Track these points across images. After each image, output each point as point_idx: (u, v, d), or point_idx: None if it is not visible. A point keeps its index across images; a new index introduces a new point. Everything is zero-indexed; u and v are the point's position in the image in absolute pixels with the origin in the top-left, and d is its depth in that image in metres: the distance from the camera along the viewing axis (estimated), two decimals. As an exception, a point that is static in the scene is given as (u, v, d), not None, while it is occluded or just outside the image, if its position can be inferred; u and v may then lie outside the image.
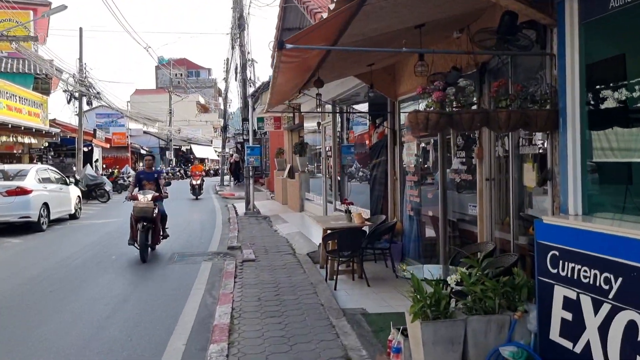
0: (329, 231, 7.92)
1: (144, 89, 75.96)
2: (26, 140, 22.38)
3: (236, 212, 17.53)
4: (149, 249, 9.99)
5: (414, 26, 5.50)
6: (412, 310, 3.99)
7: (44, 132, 23.22)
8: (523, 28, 4.46)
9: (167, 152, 53.78)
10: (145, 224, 9.68)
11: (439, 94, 4.18)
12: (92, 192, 22.46)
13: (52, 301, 7.07)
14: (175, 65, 67.99)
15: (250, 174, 16.65)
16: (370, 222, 8.51)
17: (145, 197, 10.04)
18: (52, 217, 14.27)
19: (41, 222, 13.46)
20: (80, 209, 16.77)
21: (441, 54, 6.66)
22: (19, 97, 21.70)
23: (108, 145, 40.07)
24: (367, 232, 8.10)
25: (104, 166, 34.60)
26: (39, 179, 13.89)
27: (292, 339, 5.22)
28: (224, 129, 34.13)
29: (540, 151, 4.98)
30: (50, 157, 27.34)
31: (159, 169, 35.74)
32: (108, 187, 22.83)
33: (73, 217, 16.15)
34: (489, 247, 5.48)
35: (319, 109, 10.72)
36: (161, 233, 10.61)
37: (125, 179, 31.66)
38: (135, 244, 9.84)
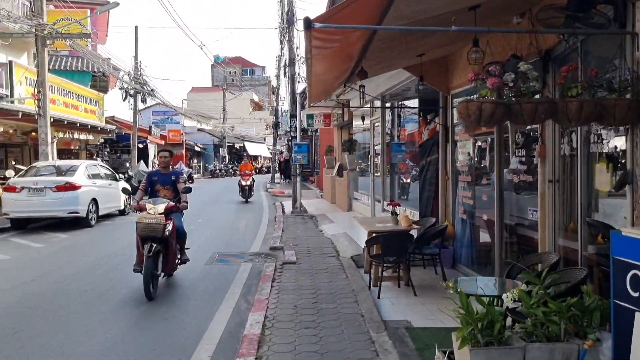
0: (373, 234, 7.37)
1: (200, 87, 77.39)
2: (82, 136, 22.88)
3: (283, 211, 17.21)
4: (161, 276, 7.47)
5: (467, 8, 4.87)
6: (460, 334, 3.41)
7: (99, 128, 23.69)
8: (598, 3, 3.77)
9: (220, 149, 54.40)
10: (154, 245, 6.97)
11: (495, 81, 3.56)
12: (144, 188, 22.68)
13: (82, 304, 6.84)
14: (230, 64, 68.94)
15: (298, 172, 16.27)
16: (419, 225, 7.88)
17: (155, 209, 7.26)
18: (100, 213, 14.36)
19: (89, 217, 13.54)
20: (129, 205, 16.86)
21: (498, 40, 5.98)
22: (76, 94, 22.21)
23: (163, 142, 40.78)
24: (415, 235, 7.50)
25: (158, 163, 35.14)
26: (88, 175, 13.99)
27: (326, 355, 4.72)
28: (276, 126, 34.02)
29: (617, 149, 4.26)
30: (106, 153, 27.97)
31: (178, 168, 35.99)
32: (159, 183, 22.97)
33: (122, 212, 16.25)
34: (551, 259, 4.80)
35: (364, 103, 10.16)
36: (178, 256, 7.97)
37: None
38: (141, 272, 6.93)
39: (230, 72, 60.70)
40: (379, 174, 12.54)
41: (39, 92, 16.13)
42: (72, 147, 25.19)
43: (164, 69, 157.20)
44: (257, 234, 12.44)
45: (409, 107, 10.44)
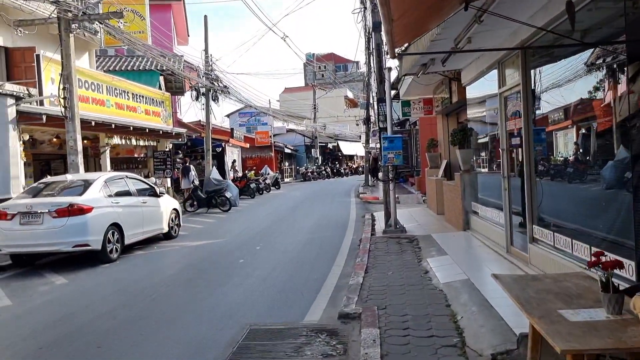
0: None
1: (292, 87, 75.05)
2: (141, 142, 19.93)
3: (373, 228, 12.83)
4: None
5: None
6: None
7: (161, 132, 20.64)
8: None
9: (312, 150, 50.95)
10: None
11: None
12: (212, 200, 19.33)
13: None
14: (322, 60, 65.61)
15: (390, 175, 11.82)
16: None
17: None
18: (129, 241, 10.86)
19: (108, 249, 10.02)
20: (178, 225, 13.32)
21: None
22: (134, 94, 19.28)
23: (247, 145, 37.91)
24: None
25: (237, 168, 32.02)
26: (107, 193, 10.49)
27: None
28: (367, 120, 29.63)
29: None
30: (177, 160, 25.10)
31: (263, 172, 31.80)
32: (229, 193, 19.52)
33: (168, 236, 12.73)
34: None
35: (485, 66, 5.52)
36: None
37: (262, 181, 28.74)
38: None
39: (319, 67, 57.11)
40: (515, 176, 7.83)
41: (64, 88, 13.02)
42: (137, 155, 22.48)
43: (257, 70, 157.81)
44: (327, 276, 8.19)
45: (606, 44, 5.46)
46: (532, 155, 6.92)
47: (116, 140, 18.20)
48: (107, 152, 17.87)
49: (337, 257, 9.70)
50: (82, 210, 9.59)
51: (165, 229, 12.55)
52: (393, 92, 20.68)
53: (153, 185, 12.64)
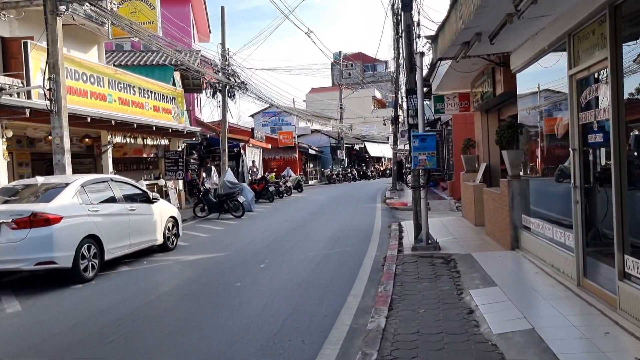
0: None
1: (319, 87, 73.37)
2: (149, 141, 18.38)
3: (400, 241, 10.93)
4: None
5: None
6: None
7: (170, 130, 19.05)
8: None
9: (338, 151, 49.05)
10: None
11: None
12: (223, 205, 17.67)
13: None
14: (350, 60, 63.78)
15: (421, 181, 9.90)
16: None
17: None
18: (111, 256, 9.21)
19: (82, 267, 8.37)
20: (176, 235, 11.65)
21: None
22: (140, 88, 17.77)
23: (269, 146, 36.30)
24: None
25: (256, 169, 30.35)
26: (83, 199, 8.85)
27: None
28: (395, 120, 27.64)
29: None
30: (192, 160, 23.56)
31: (285, 174, 30.02)
32: (242, 198, 17.82)
33: (164, 247, 11.06)
34: None
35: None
36: None
37: (282, 184, 27.04)
38: None
39: (346, 65, 55.25)
40: (589, 184, 5.86)
41: (49, 79, 11.49)
42: (146, 155, 20.99)
43: (279, 66, 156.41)
44: (340, 312, 6.34)
45: None
46: (623, 156, 4.95)
47: (120, 138, 16.69)
48: (110, 151, 16.37)
49: (356, 282, 7.84)
50: (47, 221, 7.96)
51: (160, 240, 10.88)
52: (425, 89, 18.84)
53: (145, 190, 10.97)
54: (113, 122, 14.99)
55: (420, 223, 10.01)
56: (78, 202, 8.68)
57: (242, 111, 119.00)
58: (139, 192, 10.67)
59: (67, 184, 8.79)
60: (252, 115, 55.49)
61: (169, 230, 11.24)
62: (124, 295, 7.65)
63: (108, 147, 16.24)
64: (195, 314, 6.50)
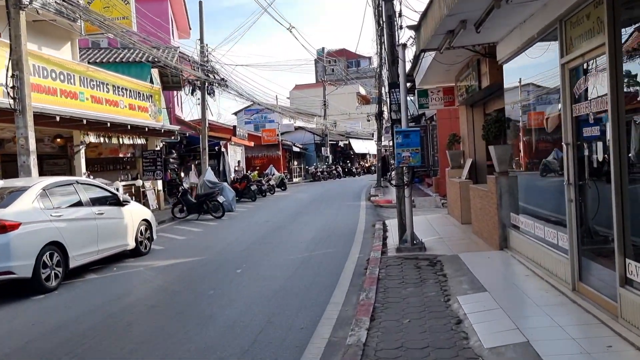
0: None
1: (303, 84, 72.88)
2: (125, 141, 17.72)
3: (384, 242, 10.49)
4: None
5: None
6: None
7: (147, 129, 18.40)
8: None
9: (322, 149, 48.54)
10: None
11: None
12: (202, 205, 17.09)
13: None
14: (334, 56, 63.29)
15: (405, 179, 9.45)
16: None
17: None
18: (77, 264, 8.63)
19: (44, 276, 7.80)
20: (149, 238, 11.08)
21: None
22: (114, 86, 17.11)
23: (252, 144, 35.68)
24: None
25: (239, 168, 29.75)
26: (45, 203, 8.27)
27: None
28: (379, 116, 27.19)
29: None
30: (171, 160, 22.93)
31: (268, 172, 29.69)
32: (222, 198, 17.26)
33: (136, 252, 10.49)
34: None
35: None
36: None
37: (265, 183, 26.50)
38: None
39: (330, 61, 54.74)
40: (583, 181, 5.45)
41: (12, 76, 10.85)
42: (122, 155, 20.33)
43: (270, 70, 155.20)
44: (319, 322, 5.87)
45: None
46: (624, 150, 4.53)
47: (93, 138, 16.05)
48: (82, 152, 15.72)
49: (337, 288, 7.36)
50: (3, 228, 7.37)
51: (132, 245, 10.30)
52: (408, 84, 18.32)
53: (115, 192, 10.39)
54: (84, 121, 14.34)
55: (404, 223, 9.57)
56: (39, 207, 8.10)
57: (224, 109, 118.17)
58: (109, 194, 10.08)
59: (27, 188, 8.19)
60: (236, 113, 54.85)
61: (141, 234, 10.67)
62: (87, 306, 7.10)
63: (81, 147, 15.59)
64: (161, 328, 5.98)
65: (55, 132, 15.85)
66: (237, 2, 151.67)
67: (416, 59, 12.41)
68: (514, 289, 6.23)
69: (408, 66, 14.07)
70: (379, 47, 21.83)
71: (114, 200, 10.04)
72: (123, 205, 10.16)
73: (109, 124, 15.53)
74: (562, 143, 5.67)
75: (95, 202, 9.50)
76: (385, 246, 10.08)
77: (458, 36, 7.09)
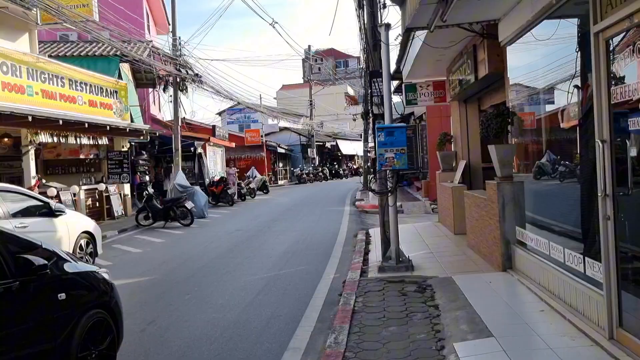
0: None
1: (290, 84, 71.24)
2: (84, 140, 16.05)
3: (364, 258, 8.98)
4: None
5: None
6: None
7: (109, 128, 16.73)
8: None
9: (308, 150, 47.02)
10: None
11: None
12: (169, 212, 15.51)
13: None
14: (322, 55, 61.89)
15: (389, 185, 7.96)
16: None
17: None
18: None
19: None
20: (92, 254, 9.51)
21: None
22: (71, 80, 15.47)
23: (233, 145, 34.04)
24: None
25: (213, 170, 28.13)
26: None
27: None
28: (366, 115, 25.66)
29: None
30: (140, 162, 21.28)
31: (250, 174, 27.97)
32: (190, 203, 15.68)
33: (75, 270, 8.88)
34: None
35: None
36: None
37: (244, 186, 24.94)
38: None
39: (316, 60, 53.29)
40: (626, 191, 4.00)
41: None
42: (84, 157, 18.66)
43: (259, 69, 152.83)
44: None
45: None
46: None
47: (46, 137, 14.39)
48: (31, 152, 14.07)
49: (301, 324, 5.84)
50: None
51: (68, 262, 8.68)
52: (395, 83, 16.68)
53: (47, 201, 8.78)
54: (30, 118, 12.70)
55: (388, 237, 8.07)
56: None
57: (201, 107, 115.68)
58: (38, 203, 8.49)
59: None
60: (220, 113, 53.19)
61: (80, 249, 9.10)
62: None
63: (29, 147, 13.94)
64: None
65: (2, 131, 14.20)
66: (225, 2, 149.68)
67: (403, 48, 10.94)
68: (528, 333, 4.74)
69: (394, 56, 12.64)
70: (363, 33, 20.31)
71: (45, 211, 8.45)
72: (56, 216, 8.57)
73: (61, 122, 13.88)
74: (596, 140, 4.18)
75: (19, 212, 7.91)
76: (366, 263, 8.58)
77: (452, 6, 5.59)
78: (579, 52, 5.06)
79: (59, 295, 3.91)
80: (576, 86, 5.32)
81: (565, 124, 5.58)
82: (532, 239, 6.28)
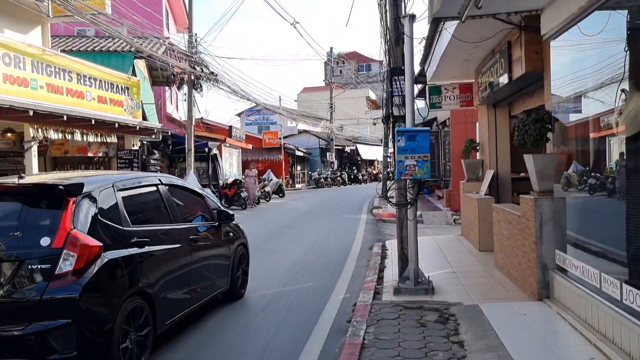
0: None
1: (312, 87, 70.63)
2: (91, 138, 15.41)
3: (379, 276, 8.06)
4: None
5: None
6: None
7: (117, 125, 16.06)
8: None
9: (327, 154, 46.17)
10: None
11: None
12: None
13: None
14: (344, 58, 61.15)
15: (409, 196, 7.05)
16: None
17: None
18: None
19: None
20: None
21: None
22: (79, 74, 14.85)
23: (250, 146, 33.36)
24: None
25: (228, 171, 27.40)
26: None
27: None
28: (387, 119, 24.76)
29: None
30: (152, 161, 20.62)
31: (266, 177, 27.16)
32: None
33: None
34: None
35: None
36: None
37: (259, 189, 24.17)
38: None
39: (338, 62, 52.51)
40: None
41: None
42: (92, 155, 18.05)
43: (281, 71, 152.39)
44: None
45: None
46: None
47: (51, 133, 13.75)
48: (34, 149, 13.44)
49: (300, 358, 4.97)
50: None
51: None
52: (417, 87, 15.69)
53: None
54: (31, 113, 12.06)
55: (406, 255, 7.15)
56: None
57: (218, 107, 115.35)
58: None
59: None
60: (239, 114, 52.68)
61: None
62: None
63: (32, 143, 13.30)
64: None
65: (5, 126, 13.62)
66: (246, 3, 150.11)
67: (429, 46, 10.02)
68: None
69: (417, 58, 11.73)
70: (381, 20, 19.33)
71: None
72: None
73: (65, 118, 13.23)
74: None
75: None
76: (380, 282, 7.67)
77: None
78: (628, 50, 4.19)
79: (230, 233, 7.08)
80: (623, 90, 4.46)
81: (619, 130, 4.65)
82: (576, 266, 5.32)
